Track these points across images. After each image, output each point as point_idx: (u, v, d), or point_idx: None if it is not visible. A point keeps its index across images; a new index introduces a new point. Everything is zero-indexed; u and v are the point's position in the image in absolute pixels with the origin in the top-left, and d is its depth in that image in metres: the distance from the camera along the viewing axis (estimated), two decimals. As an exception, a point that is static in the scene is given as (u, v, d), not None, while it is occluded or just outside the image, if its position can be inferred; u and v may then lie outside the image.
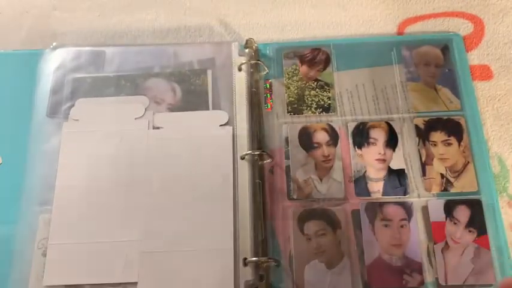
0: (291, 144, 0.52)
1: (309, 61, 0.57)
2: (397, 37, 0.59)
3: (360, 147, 0.52)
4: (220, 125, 0.53)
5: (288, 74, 0.56)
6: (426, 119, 0.53)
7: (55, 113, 0.55)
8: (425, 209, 0.49)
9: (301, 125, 0.53)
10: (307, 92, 0.55)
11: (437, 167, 0.51)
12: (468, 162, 0.51)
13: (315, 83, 0.55)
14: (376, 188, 0.50)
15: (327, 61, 0.56)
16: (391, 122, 0.53)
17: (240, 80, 0.56)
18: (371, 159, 0.51)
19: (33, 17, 0.62)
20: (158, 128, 0.54)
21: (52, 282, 0.47)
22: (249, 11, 0.62)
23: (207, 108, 0.55)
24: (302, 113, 0.54)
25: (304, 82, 0.56)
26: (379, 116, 0.53)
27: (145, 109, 0.54)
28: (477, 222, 0.48)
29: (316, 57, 0.57)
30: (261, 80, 0.56)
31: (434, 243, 0.47)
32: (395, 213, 0.49)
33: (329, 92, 0.55)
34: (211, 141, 0.52)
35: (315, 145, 0.52)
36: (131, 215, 0.49)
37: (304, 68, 0.56)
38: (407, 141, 0.52)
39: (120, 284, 0.47)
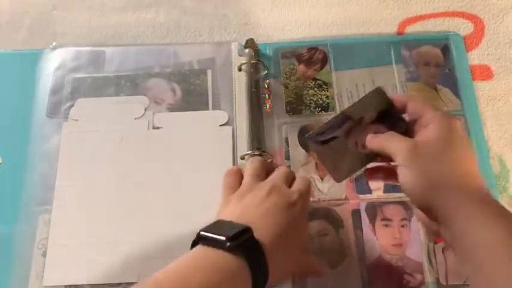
0: (291, 144, 0.52)
1: (306, 60, 0.57)
2: (397, 37, 0.59)
3: (360, 147, 0.52)
4: (220, 125, 0.53)
5: (286, 74, 0.56)
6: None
7: (55, 113, 0.55)
8: (425, 209, 0.49)
9: (300, 124, 0.53)
10: (305, 92, 0.55)
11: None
12: (469, 162, 0.50)
13: (313, 82, 0.55)
14: (378, 185, 0.50)
15: (324, 60, 0.56)
16: (391, 122, 0.53)
17: (240, 80, 0.55)
18: (371, 159, 0.51)
19: (33, 17, 0.62)
20: (158, 128, 0.53)
21: (52, 283, 0.47)
22: (249, 11, 0.62)
23: (207, 108, 0.54)
24: (301, 113, 0.54)
25: (302, 81, 0.56)
26: (379, 115, 0.53)
27: (145, 109, 0.54)
28: (477, 222, 0.48)
29: (313, 57, 0.57)
30: (261, 80, 0.56)
31: (435, 243, 0.47)
32: (395, 213, 0.49)
33: (327, 91, 0.55)
34: (211, 141, 0.52)
35: (315, 145, 0.52)
36: (131, 215, 0.49)
37: (301, 68, 0.56)
38: (408, 141, 0.52)
39: (120, 284, 0.47)
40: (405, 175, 0.37)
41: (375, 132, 0.41)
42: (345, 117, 0.42)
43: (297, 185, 0.42)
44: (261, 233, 0.37)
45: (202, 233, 0.37)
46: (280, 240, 0.38)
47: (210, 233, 0.36)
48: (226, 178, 0.45)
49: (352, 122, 0.42)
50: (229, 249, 0.35)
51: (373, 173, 0.43)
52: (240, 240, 0.35)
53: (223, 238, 0.35)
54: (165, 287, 0.33)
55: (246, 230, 0.36)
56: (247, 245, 0.35)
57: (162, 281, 0.33)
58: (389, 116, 0.41)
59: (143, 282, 0.33)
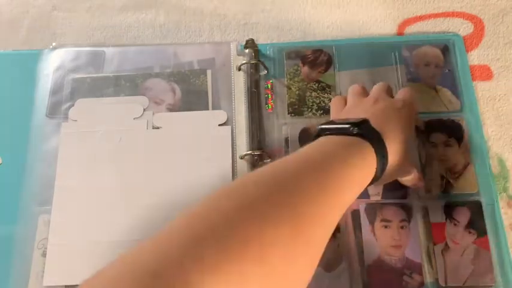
0: (291, 145, 0.52)
1: (310, 62, 0.56)
2: (397, 37, 0.59)
3: (360, 148, 0.52)
4: (219, 125, 0.53)
5: (290, 75, 0.56)
6: (426, 119, 0.53)
7: (55, 113, 0.55)
8: (425, 210, 0.49)
9: (301, 126, 0.53)
10: (308, 93, 0.55)
11: (437, 168, 0.51)
12: (468, 163, 0.51)
13: (317, 85, 0.55)
14: (376, 190, 0.50)
15: (329, 62, 0.56)
16: (391, 123, 0.53)
17: (240, 80, 0.55)
18: (371, 160, 0.51)
19: (33, 17, 0.62)
20: (157, 128, 0.53)
21: (52, 283, 0.47)
22: (249, 11, 0.62)
23: (207, 109, 0.54)
24: (303, 114, 0.54)
25: (306, 83, 0.55)
26: (379, 116, 0.53)
27: (145, 109, 0.54)
28: (477, 224, 0.48)
29: (318, 59, 0.57)
30: (261, 80, 0.56)
31: (434, 244, 0.47)
32: (395, 214, 0.49)
33: (330, 94, 0.55)
34: (210, 140, 0.52)
35: (315, 146, 0.52)
36: (131, 215, 0.49)
37: (305, 69, 0.56)
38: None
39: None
40: None
41: None
42: None
43: (399, 95, 0.45)
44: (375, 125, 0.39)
45: (322, 126, 0.38)
46: (392, 136, 0.39)
47: (332, 124, 0.38)
48: (332, 102, 0.49)
49: None
50: (354, 134, 0.36)
51: None
52: (363, 126, 0.37)
53: (347, 125, 0.37)
54: (283, 163, 0.34)
55: (365, 120, 0.38)
56: (370, 132, 0.37)
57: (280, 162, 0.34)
58: None
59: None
